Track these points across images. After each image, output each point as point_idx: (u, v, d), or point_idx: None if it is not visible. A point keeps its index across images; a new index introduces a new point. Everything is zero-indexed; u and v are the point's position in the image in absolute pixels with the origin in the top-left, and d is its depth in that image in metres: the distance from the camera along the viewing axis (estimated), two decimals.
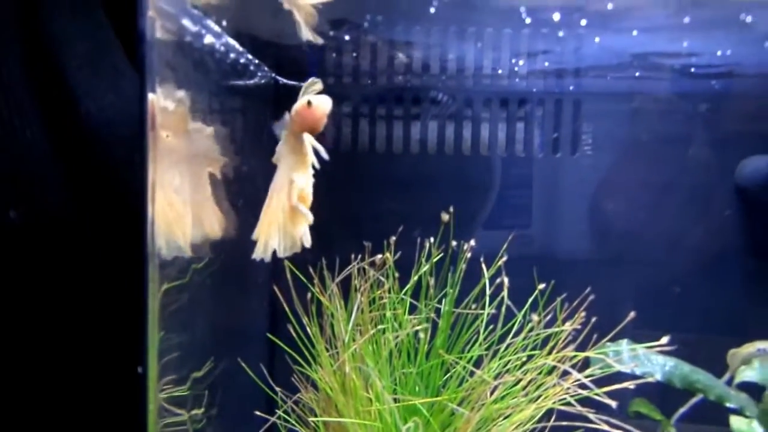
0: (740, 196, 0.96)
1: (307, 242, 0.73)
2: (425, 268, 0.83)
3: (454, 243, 0.82)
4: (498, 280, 0.78)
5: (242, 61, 0.81)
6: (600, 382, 0.74)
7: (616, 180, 0.99)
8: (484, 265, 0.82)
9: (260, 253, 0.72)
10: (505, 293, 0.79)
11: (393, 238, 0.83)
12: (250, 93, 0.87)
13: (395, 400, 0.76)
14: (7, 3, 0.84)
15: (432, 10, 0.61)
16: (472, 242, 0.83)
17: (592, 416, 0.69)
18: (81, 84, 0.88)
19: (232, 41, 0.75)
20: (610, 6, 0.57)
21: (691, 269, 0.96)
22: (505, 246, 0.83)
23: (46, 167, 0.87)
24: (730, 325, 0.92)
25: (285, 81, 0.94)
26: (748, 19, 0.59)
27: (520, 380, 0.74)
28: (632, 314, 0.75)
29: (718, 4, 0.55)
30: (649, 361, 0.83)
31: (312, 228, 0.86)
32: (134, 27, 0.87)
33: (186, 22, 0.63)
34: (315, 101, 0.69)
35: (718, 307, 0.96)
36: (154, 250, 0.52)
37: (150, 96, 0.54)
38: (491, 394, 0.75)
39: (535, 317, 0.74)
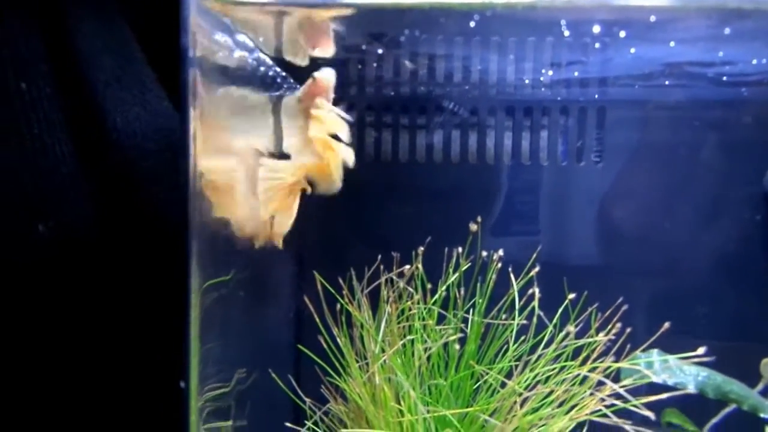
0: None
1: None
2: (453, 278, 0.83)
3: (484, 253, 0.81)
4: (530, 291, 0.78)
5: (270, 74, 0.82)
6: (630, 393, 0.74)
7: (649, 187, 0.99)
8: (512, 276, 0.82)
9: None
10: (536, 303, 0.78)
11: (421, 249, 0.83)
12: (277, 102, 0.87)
13: (426, 412, 0.76)
14: (36, 22, 0.85)
15: (472, 24, 0.61)
16: (501, 252, 0.83)
17: (629, 428, 0.68)
18: (108, 99, 0.89)
19: (262, 56, 0.75)
20: (653, 18, 0.57)
21: (722, 278, 0.95)
22: (534, 255, 0.82)
23: (75, 181, 0.88)
24: (763, 334, 0.91)
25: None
26: None
27: (552, 391, 0.73)
28: (666, 325, 0.74)
29: (760, 16, 0.55)
30: (682, 371, 0.82)
31: (340, 239, 0.87)
32: (162, 42, 0.88)
33: (219, 37, 0.64)
34: (318, 75, 0.71)
35: (749, 316, 0.96)
36: (197, 261, 0.52)
37: None
38: (522, 405, 0.74)
39: (570, 328, 0.73)
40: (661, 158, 0.97)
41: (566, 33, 0.67)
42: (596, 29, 0.64)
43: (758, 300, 0.95)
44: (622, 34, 0.66)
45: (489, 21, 0.63)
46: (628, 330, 0.76)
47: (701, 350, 0.72)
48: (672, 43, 0.72)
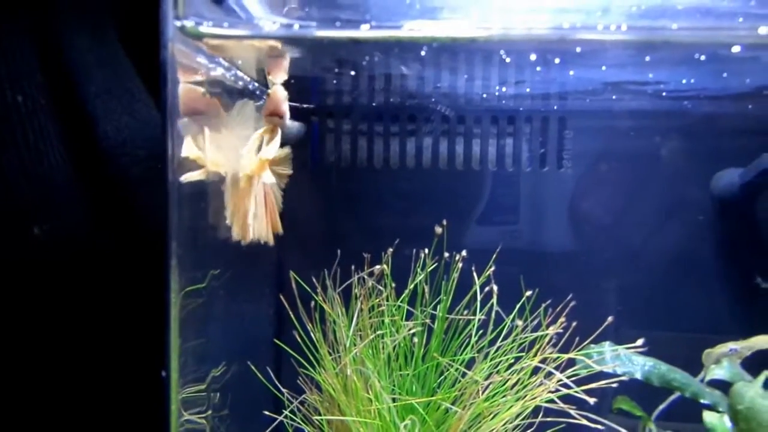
0: (715, 204, 1.02)
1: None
2: (420, 277, 0.89)
3: (446, 254, 0.88)
4: (487, 288, 0.84)
5: (250, 87, 0.88)
6: (586, 381, 0.81)
7: (602, 190, 1.06)
8: (475, 275, 0.88)
9: (236, 235, 0.79)
10: (494, 300, 0.85)
11: (390, 250, 0.89)
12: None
13: (393, 400, 0.82)
14: (30, 37, 0.91)
15: (422, 53, 0.68)
16: (464, 253, 0.89)
17: (573, 412, 0.75)
18: (99, 108, 0.94)
19: (240, 73, 0.82)
20: (578, 49, 0.64)
21: (671, 273, 1.02)
22: (494, 256, 0.89)
23: (68, 186, 0.94)
24: (707, 325, 0.98)
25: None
26: (702, 57, 0.67)
27: (508, 380, 0.80)
28: (610, 319, 0.81)
29: (671, 48, 0.62)
30: (630, 361, 0.88)
31: (315, 240, 0.93)
32: (149, 55, 0.95)
33: (200, 58, 0.70)
34: (271, 91, 0.79)
35: (698, 308, 1.03)
36: (176, 261, 0.58)
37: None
38: (482, 393, 0.81)
39: (519, 322, 0.80)
40: (617, 163, 1.03)
41: (507, 59, 0.74)
42: (533, 57, 0.71)
43: (706, 293, 1.02)
44: (557, 60, 0.73)
45: (438, 50, 0.69)
46: (574, 324, 0.83)
47: (640, 341, 0.79)
48: (603, 68, 0.79)
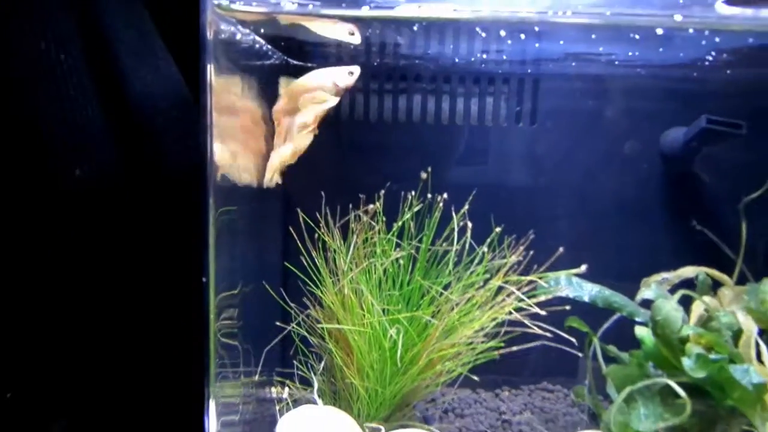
0: (663, 160, 1.19)
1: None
2: (408, 215, 1.06)
3: (429, 196, 1.04)
4: (462, 224, 1.01)
5: (259, 46, 1.01)
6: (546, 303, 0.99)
7: (571, 144, 1.22)
8: (454, 213, 1.05)
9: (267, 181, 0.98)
10: (468, 234, 1.02)
11: (383, 192, 1.05)
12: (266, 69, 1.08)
13: (383, 314, 1.00)
14: (69, 3, 1.04)
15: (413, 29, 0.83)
16: (445, 195, 1.06)
17: (528, 322, 0.93)
18: (129, 67, 1.08)
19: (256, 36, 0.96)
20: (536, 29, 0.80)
21: (621, 216, 1.20)
22: (470, 198, 1.05)
23: (104, 135, 1.08)
24: (649, 260, 1.14)
25: (294, 61, 1.15)
26: (636, 36, 0.83)
27: (475, 297, 0.98)
28: (561, 250, 0.99)
29: (611, 30, 0.78)
30: (580, 287, 1.06)
31: (319, 183, 1.09)
32: (169, 17, 1.09)
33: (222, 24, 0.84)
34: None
35: (645, 247, 1.21)
36: (212, 190, 0.73)
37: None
38: (455, 309, 0.99)
39: (485, 248, 0.98)
40: (581, 121, 1.19)
41: (483, 34, 0.89)
42: (503, 32, 0.86)
43: (651, 233, 1.20)
44: (522, 36, 0.88)
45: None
46: (531, 253, 1.01)
47: (583, 267, 0.97)
48: (561, 42, 0.94)
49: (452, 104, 1.20)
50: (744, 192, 1.11)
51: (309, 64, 1.16)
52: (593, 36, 0.85)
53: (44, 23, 1.01)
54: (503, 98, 1.19)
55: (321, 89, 0.99)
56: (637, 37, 0.82)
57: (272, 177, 1.00)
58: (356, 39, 0.92)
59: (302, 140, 0.99)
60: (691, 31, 0.82)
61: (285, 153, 0.99)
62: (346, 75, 0.97)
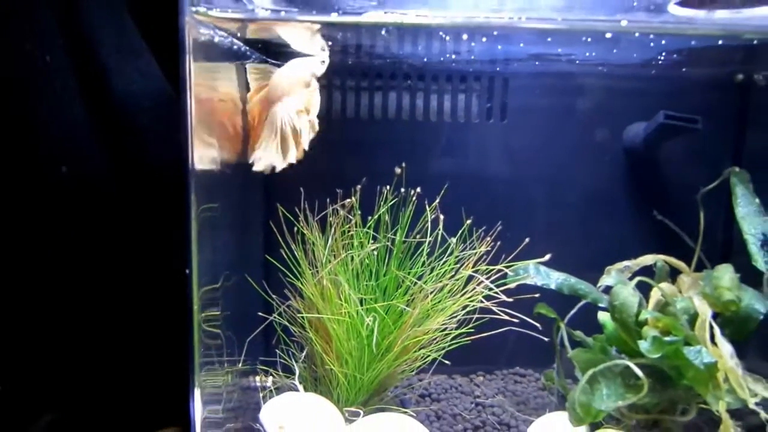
0: (627, 152, 1.25)
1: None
2: (383, 209, 1.10)
3: (403, 190, 1.09)
4: (433, 216, 1.06)
5: (242, 50, 1.05)
6: (515, 291, 1.05)
7: (539, 139, 1.27)
8: (427, 206, 1.10)
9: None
10: (440, 226, 1.07)
11: (359, 187, 1.10)
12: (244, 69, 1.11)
13: (360, 303, 1.05)
14: (52, 3, 1.07)
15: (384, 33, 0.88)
16: (419, 189, 1.11)
17: (495, 309, 0.99)
18: (111, 66, 1.11)
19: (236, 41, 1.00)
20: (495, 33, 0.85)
21: (586, 206, 1.26)
22: (442, 193, 1.10)
23: (88, 133, 1.11)
24: (613, 248, 1.20)
25: (272, 61, 1.19)
26: (588, 39, 0.88)
27: (446, 286, 1.03)
28: (527, 240, 1.04)
29: (563, 35, 0.83)
30: (548, 276, 1.11)
31: (298, 179, 1.13)
32: (150, 17, 1.12)
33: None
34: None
35: (610, 237, 1.27)
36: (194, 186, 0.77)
37: None
38: (427, 297, 1.05)
39: (453, 239, 1.03)
40: (547, 117, 1.25)
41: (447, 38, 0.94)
42: (465, 36, 0.91)
43: (614, 223, 1.26)
44: (484, 39, 0.93)
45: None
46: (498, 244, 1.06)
47: (547, 256, 1.03)
48: (521, 44, 0.99)
49: (426, 102, 1.25)
50: (702, 183, 1.18)
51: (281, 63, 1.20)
52: (549, 39, 0.91)
53: (28, 24, 1.04)
54: (475, 96, 1.24)
55: (303, 78, 1.04)
56: (589, 40, 0.88)
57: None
58: (325, 56, 0.98)
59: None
60: (637, 35, 0.88)
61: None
62: (319, 64, 1.03)
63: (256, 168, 1.03)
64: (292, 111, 1.01)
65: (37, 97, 1.05)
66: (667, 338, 0.95)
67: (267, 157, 1.03)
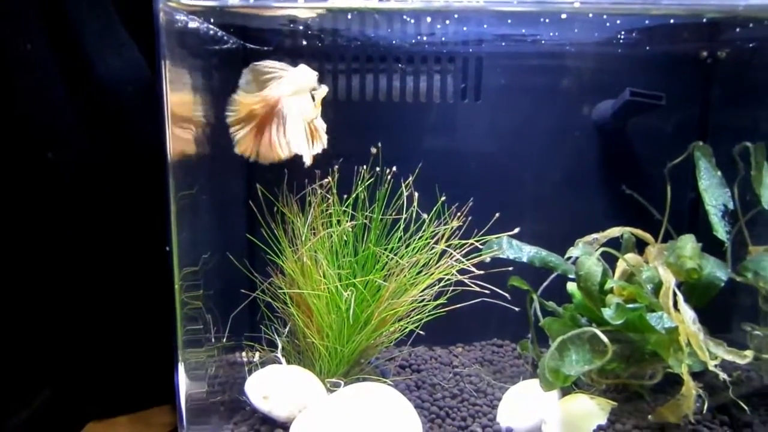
0: (596, 129, 1.29)
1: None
2: (361, 188, 1.14)
3: (378, 169, 1.13)
4: (408, 193, 1.10)
5: (219, 35, 1.08)
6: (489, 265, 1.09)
7: (512, 118, 1.31)
8: (403, 185, 1.14)
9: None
10: (415, 203, 1.11)
11: (336, 167, 1.14)
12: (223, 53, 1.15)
13: (339, 279, 1.09)
14: None
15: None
16: (394, 168, 1.14)
17: (467, 281, 1.03)
18: (94, 54, 1.14)
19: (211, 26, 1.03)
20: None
21: (557, 182, 1.30)
22: (416, 171, 1.14)
23: (73, 119, 1.14)
24: (582, 221, 1.23)
25: (250, 46, 1.22)
26: (547, 20, 0.92)
27: (420, 261, 1.08)
28: (497, 215, 1.08)
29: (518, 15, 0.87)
30: (520, 249, 1.16)
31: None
32: (132, 5, 1.14)
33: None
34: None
35: (582, 212, 1.31)
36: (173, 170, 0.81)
37: None
38: (403, 271, 1.09)
39: (425, 215, 1.07)
40: (520, 96, 1.28)
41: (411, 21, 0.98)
42: (428, 18, 0.95)
43: (584, 197, 1.30)
44: (448, 21, 0.96)
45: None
46: (470, 219, 1.10)
47: (517, 230, 1.07)
48: (485, 25, 1.03)
49: (402, 83, 1.28)
50: (669, 158, 1.22)
51: (264, 48, 1.23)
52: (509, 21, 0.94)
53: (12, 13, 1.06)
54: (450, 77, 1.28)
55: (311, 81, 1.08)
56: (547, 21, 0.92)
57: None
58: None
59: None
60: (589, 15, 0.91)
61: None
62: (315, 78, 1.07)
63: (306, 161, 1.04)
64: (310, 107, 1.04)
65: (19, 86, 1.08)
66: (629, 305, 0.99)
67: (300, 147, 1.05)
